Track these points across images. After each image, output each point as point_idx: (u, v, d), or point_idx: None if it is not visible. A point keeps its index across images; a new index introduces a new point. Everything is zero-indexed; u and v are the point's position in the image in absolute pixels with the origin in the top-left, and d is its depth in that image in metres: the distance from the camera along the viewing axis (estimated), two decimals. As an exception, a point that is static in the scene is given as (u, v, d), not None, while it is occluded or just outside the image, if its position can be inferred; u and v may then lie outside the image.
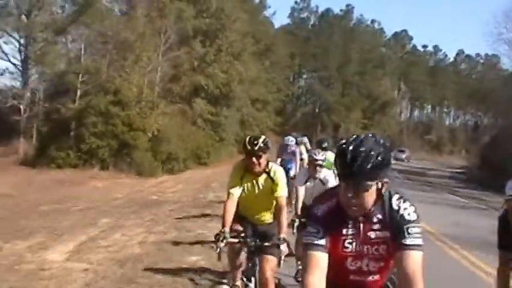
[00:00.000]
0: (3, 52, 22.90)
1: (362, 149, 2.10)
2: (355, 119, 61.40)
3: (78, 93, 22.81)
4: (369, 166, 2.10)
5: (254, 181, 4.38)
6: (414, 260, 2.20)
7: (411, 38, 75.32)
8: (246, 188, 4.37)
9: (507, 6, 37.75)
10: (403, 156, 52.34)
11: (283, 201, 4.33)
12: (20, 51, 22.69)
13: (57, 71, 22.63)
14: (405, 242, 2.21)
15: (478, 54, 77.98)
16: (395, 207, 2.27)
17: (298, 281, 5.67)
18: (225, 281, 5.62)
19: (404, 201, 2.29)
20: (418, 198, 13.89)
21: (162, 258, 7.13)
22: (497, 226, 4.15)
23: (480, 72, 77.85)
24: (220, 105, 31.67)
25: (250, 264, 4.42)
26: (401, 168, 35.18)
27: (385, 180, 2.19)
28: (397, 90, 73.98)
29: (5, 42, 22.88)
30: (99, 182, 19.25)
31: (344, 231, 2.33)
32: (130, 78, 22.68)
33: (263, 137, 4.33)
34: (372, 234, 2.32)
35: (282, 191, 4.37)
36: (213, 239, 4.05)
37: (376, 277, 2.46)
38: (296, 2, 63.52)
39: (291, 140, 11.00)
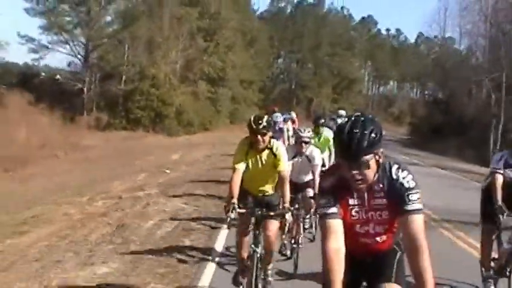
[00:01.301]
0: (71, 50, 33.27)
1: (356, 130, 2.41)
2: (326, 94, 72.27)
3: (123, 78, 33.26)
4: (365, 144, 2.40)
5: (258, 156, 4.79)
6: (416, 223, 2.48)
7: (376, 23, 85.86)
8: (250, 163, 4.78)
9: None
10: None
11: (286, 174, 4.81)
12: (85, 49, 33.01)
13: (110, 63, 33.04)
14: (407, 208, 2.50)
15: (435, 37, 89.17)
16: (394, 176, 2.57)
17: (283, 255, 6.39)
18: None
19: (402, 171, 2.59)
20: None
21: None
22: (480, 197, 5.01)
23: (437, 52, 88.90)
24: (217, 86, 42.09)
25: (257, 232, 4.68)
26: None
27: (381, 151, 2.50)
28: (364, 69, 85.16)
29: (72, 42, 33.17)
30: (148, 138, 29.96)
31: (350, 201, 2.65)
32: (160, 68, 33.19)
33: (266, 116, 4.79)
34: (375, 202, 2.63)
35: (284, 165, 4.81)
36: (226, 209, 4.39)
37: (384, 237, 2.77)
38: (274, -8, 73.73)
39: (279, 117, 11.42)
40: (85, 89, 33.06)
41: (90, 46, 33.22)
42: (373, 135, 2.42)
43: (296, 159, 6.31)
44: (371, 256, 2.84)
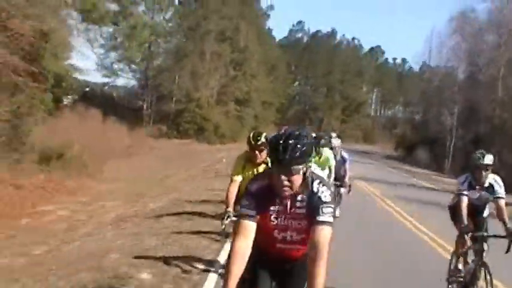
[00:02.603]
0: (135, 77, 44.25)
1: (290, 141, 2.70)
2: (336, 116, 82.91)
3: (174, 99, 44.07)
4: (297, 154, 2.69)
5: (254, 170, 5.12)
6: (323, 233, 2.72)
7: (384, 52, 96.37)
8: (247, 175, 5.09)
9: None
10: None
11: None
12: (146, 76, 43.96)
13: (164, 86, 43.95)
14: (318, 219, 2.76)
15: (437, 66, 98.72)
16: (315, 189, 2.83)
17: None
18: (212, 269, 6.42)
19: (323, 186, 2.86)
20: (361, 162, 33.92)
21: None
22: (449, 214, 5.78)
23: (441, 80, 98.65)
24: (243, 106, 52.75)
25: None
26: (360, 150, 56.52)
27: (309, 165, 2.79)
28: (371, 94, 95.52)
29: (134, 70, 44.16)
30: (194, 145, 40.56)
31: (272, 207, 2.91)
32: (202, 92, 44.00)
33: (264, 134, 5.16)
34: (296, 211, 2.89)
35: None
36: (220, 218, 4.92)
37: (299, 246, 3.01)
38: (293, 25, 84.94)
39: None
40: (145, 106, 43.88)
41: (149, 74, 44.14)
42: (305, 148, 2.72)
43: None
44: (285, 263, 3.13)
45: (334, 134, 13.84)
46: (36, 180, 17.37)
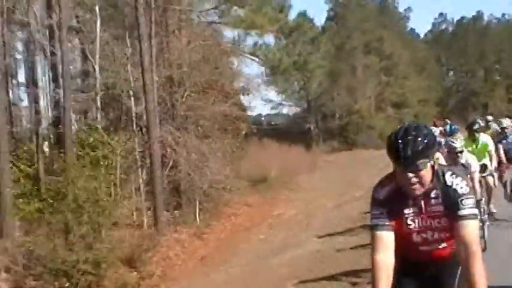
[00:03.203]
0: (297, 104, 49.95)
1: (409, 136, 2.61)
2: (500, 97, 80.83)
3: (337, 115, 48.76)
4: (420, 147, 2.58)
5: None
6: (470, 228, 2.58)
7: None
8: None
9: None
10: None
11: None
12: (307, 101, 49.49)
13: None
14: (460, 213, 2.62)
15: None
16: (449, 182, 2.70)
17: None
18: None
19: (456, 177, 2.73)
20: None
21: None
22: None
23: None
24: (401, 108, 55.67)
25: None
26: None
27: (436, 157, 2.80)
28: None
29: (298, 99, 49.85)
30: (363, 153, 44.74)
31: (406, 210, 2.77)
32: (361, 104, 48.12)
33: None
34: (433, 209, 2.74)
35: None
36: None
37: (444, 244, 2.86)
38: (435, 18, 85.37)
39: (436, 131, 11.37)
40: (312, 127, 49.28)
41: (310, 99, 49.60)
42: (426, 140, 2.62)
43: None
44: (432, 265, 2.93)
45: (490, 117, 14.35)
46: (254, 199, 23.18)
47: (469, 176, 6.36)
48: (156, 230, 14.96)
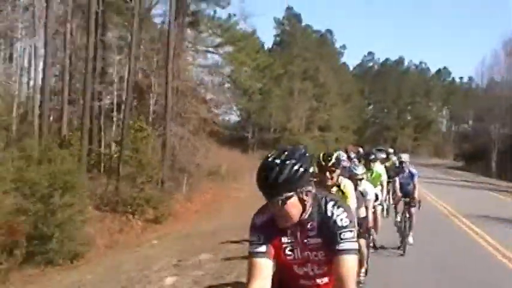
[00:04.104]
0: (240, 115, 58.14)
1: (277, 161, 2.31)
2: (408, 134, 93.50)
3: (272, 129, 57.44)
4: (282, 179, 2.28)
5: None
6: (347, 264, 2.39)
7: (450, 73, 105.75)
8: None
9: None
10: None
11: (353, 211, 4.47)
12: (248, 114, 57.76)
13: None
14: (338, 247, 2.41)
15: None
16: (329, 213, 2.46)
17: None
18: None
19: (338, 208, 2.48)
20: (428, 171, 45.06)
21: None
22: None
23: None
24: (325, 131, 65.35)
25: None
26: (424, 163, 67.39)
27: (308, 189, 2.37)
28: (441, 112, 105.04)
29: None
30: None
31: (283, 239, 2.56)
32: (293, 123, 57.17)
33: (336, 153, 5.24)
34: (310, 241, 2.53)
35: (351, 203, 5.15)
36: None
37: (325, 280, 2.70)
38: (364, 56, 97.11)
39: (343, 156, 10.87)
40: (249, 136, 57.65)
41: (251, 111, 57.97)
42: (293, 170, 2.32)
43: None
44: None
45: (391, 150, 15.79)
46: (214, 185, 30.88)
47: (363, 204, 6.88)
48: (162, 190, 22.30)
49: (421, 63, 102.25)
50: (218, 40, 34.86)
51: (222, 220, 18.81)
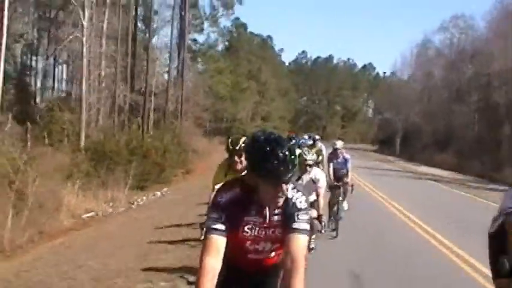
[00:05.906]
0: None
1: (285, 151, 2.60)
2: (336, 123, 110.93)
3: (224, 119, 72.47)
4: (295, 163, 2.65)
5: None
6: (300, 242, 2.69)
7: (375, 68, 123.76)
8: None
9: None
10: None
11: None
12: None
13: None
14: (294, 226, 2.72)
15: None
16: (290, 195, 2.76)
17: None
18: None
19: (297, 192, 2.82)
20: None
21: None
22: (488, 247, 3.27)
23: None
24: (266, 121, 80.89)
25: None
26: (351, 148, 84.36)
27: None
28: (367, 103, 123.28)
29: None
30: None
31: (246, 218, 2.80)
32: (242, 114, 72.60)
33: (243, 138, 5.26)
34: (275, 218, 2.81)
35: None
36: (201, 227, 5.52)
37: (272, 255, 2.98)
38: (298, 54, 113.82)
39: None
40: (208, 125, 72.40)
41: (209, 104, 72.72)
42: (296, 154, 2.70)
43: (300, 181, 6.91)
44: (258, 273, 3.04)
45: (317, 137, 16.52)
46: (196, 162, 45.62)
47: (314, 190, 7.18)
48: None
49: (348, 59, 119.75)
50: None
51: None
